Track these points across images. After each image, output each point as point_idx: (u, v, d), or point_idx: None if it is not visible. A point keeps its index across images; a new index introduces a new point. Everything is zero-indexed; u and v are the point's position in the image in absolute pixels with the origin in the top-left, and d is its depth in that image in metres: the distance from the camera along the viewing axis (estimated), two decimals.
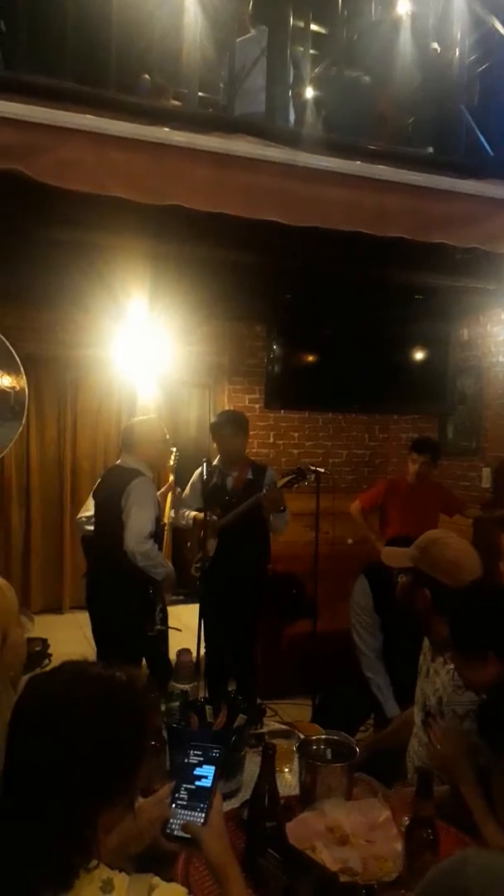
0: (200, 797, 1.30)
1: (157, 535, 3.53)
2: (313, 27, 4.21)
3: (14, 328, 4.82)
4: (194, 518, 3.96)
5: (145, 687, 1.16)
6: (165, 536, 4.16)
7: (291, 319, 4.51)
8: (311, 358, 4.59)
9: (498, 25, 3.97)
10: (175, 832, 1.27)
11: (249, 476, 3.95)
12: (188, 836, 1.24)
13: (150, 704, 1.13)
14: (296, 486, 3.76)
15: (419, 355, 4.71)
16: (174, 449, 4.49)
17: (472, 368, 4.99)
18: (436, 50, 4.04)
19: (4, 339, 4.47)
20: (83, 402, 5.97)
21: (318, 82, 4.17)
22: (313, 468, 4.21)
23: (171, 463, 4.58)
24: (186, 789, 1.31)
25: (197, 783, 1.32)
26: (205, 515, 3.80)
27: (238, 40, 3.88)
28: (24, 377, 4.62)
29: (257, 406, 5.62)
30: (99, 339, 4.68)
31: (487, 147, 3.62)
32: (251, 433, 5.39)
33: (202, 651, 3.80)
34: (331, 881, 1.37)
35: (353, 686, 3.32)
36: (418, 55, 4.05)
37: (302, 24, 3.87)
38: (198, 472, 4.02)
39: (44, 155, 2.40)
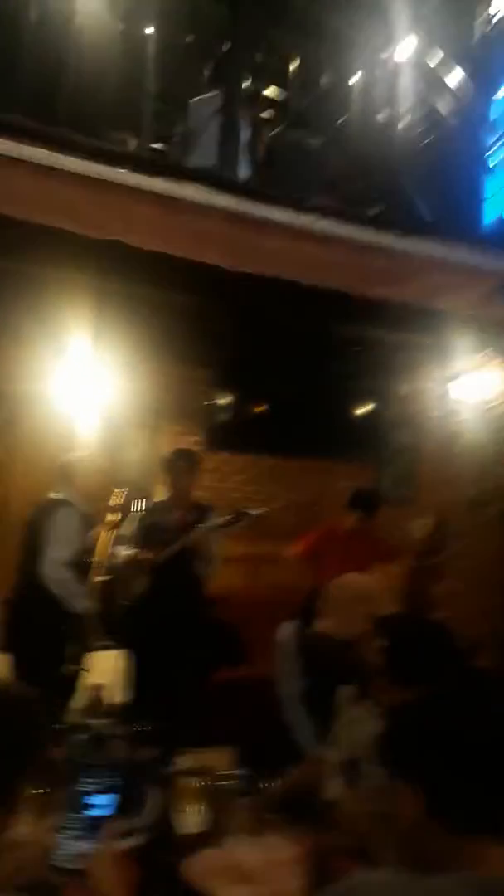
0: (93, 827, 1.26)
1: (82, 569, 3.48)
2: (267, 92, 4.44)
3: None
4: (128, 557, 3.92)
5: (35, 705, 1.13)
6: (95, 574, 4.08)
7: (235, 365, 4.59)
8: (253, 403, 4.66)
9: (440, 105, 4.25)
10: (63, 863, 1.23)
11: (192, 516, 3.93)
12: (76, 867, 1.20)
13: (35, 720, 1.10)
14: (232, 527, 3.76)
15: (359, 406, 4.84)
16: (122, 489, 4.44)
17: (410, 422, 5.13)
18: (382, 121, 4.30)
19: None
20: (18, 437, 5.83)
21: (272, 143, 4.37)
22: (254, 511, 4.25)
23: (116, 502, 4.53)
24: (79, 819, 1.28)
25: (90, 812, 1.29)
26: (136, 554, 3.76)
27: (195, 99, 4.07)
28: None
29: (198, 449, 5.62)
30: (36, 374, 4.63)
31: (426, 213, 3.85)
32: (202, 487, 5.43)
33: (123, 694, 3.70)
34: None
35: (279, 733, 3.28)
36: (365, 124, 4.31)
37: (256, 89, 4.06)
38: (140, 508, 4.00)
39: None
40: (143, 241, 2.63)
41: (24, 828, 1.13)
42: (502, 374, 3.43)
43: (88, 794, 1.30)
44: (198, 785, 1.94)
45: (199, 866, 1.58)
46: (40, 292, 3.63)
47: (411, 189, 3.87)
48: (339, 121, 4.10)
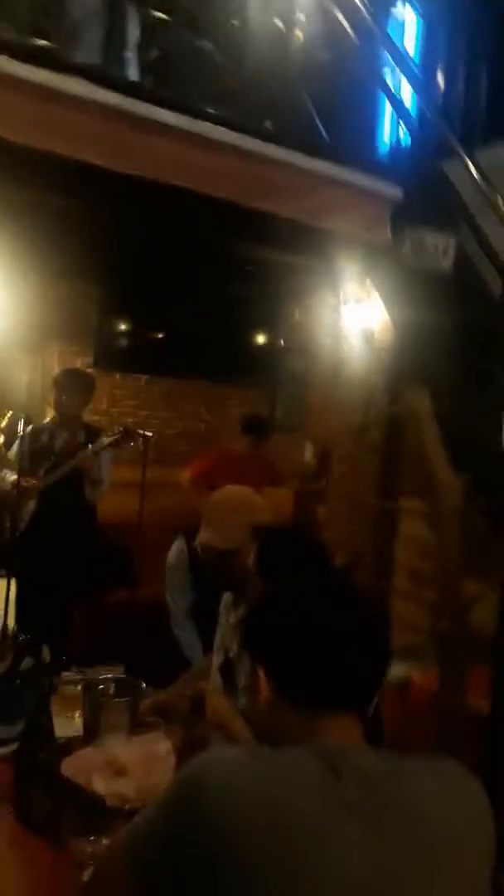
0: None
1: None
2: None
3: None
4: (12, 482, 3.78)
5: None
6: None
7: (126, 283, 4.44)
8: (146, 324, 4.54)
9: (342, 18, 4.11)
10: None
11: (82, 439, 3.82)
12: None
13: None
14: (120, 446, 3.68)
15: (253, 331, 4.82)
16: (8, 411, 4.26)
17: (300, 349, 5.19)
18: (280, 29, 4.13)
19: None
20: None
21: (164, 46, 4.11)
22: (140, 431, 4.19)
23: (2, 424, 4.35)
24: None
25: None
26: (18, 480, 3.63)
27: None
28: None
29: (91, 371, 5.47)
30: None
31: (324, 132, 3.78)
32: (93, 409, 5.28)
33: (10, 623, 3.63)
34: (96, 805, 1.36)
35: (171, 651, 3.35)
36: (262, 34, 4.13)
37: None
38: (23, 429, 3.83)
39: None
40: (18, 134, 2.43)
41: None
42: (386, 302, 3.48)
43: None
44: (78, 691, 1.96)
45: (75, 763, 1.60)
46: None
47: (307, 106, 3.78)
48: (233, 24, 3.90)
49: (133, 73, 3.57)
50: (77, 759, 1.62)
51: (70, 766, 1.57)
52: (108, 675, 1.90)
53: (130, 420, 5.76)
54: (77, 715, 1.97)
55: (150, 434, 4.15)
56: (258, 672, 1.02)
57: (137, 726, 1.84)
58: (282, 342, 4.98)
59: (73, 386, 3.72)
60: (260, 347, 4.93)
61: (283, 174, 3.06)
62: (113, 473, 4.61)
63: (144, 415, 5.96)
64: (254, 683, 1.04)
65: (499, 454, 2.65)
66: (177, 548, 3.28)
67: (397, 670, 3.62)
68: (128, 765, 1.62)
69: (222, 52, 4.00)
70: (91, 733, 1.75)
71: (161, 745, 1.70)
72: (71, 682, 2.10)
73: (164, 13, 4.19)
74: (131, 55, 3.66)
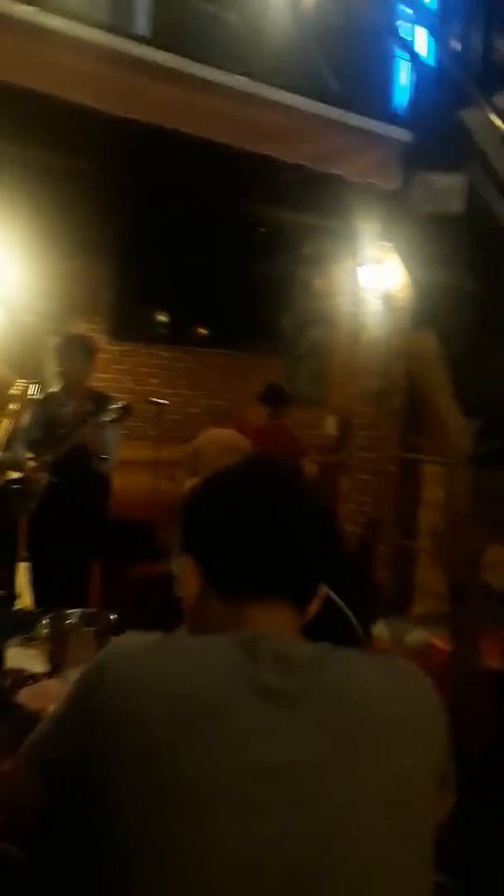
0: None
1: None
2: None
3: None
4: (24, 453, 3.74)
5: None
6: None
7: (139, 254, 4.39)
8: (159, 293, 4.48)
9: None
10: None
11: (89, 407, 3.73)
12: None
13: None
14: (122, 421, 3.58)
15: (270, 298, 4.72)
16: (22, 381, 4.23)
17: (322, 319, 5.06)
18: None
19: None
20: None
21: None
22: (155, 399, 4.13)
23: (16, 395, 4.33)
24: None
25: None
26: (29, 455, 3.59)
27: None
28: None
29: (115, 349, 5.45)
30: None
31: (334, 81, 3.65)
32: (108, 377, 5.25)
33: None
34: (35, 719, 1.28)
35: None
36: None
37: None
38: (35, 399, 3.79)
39: None
40: (9, 74, 2.40)
41: None
42: (401, 253, 3.35)
43: None
44: (49, 628, 1.89)
45: (34, 691, 1.54)
46: None
47: (319, 60, 3.67)
48: None
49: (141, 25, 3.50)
50: (37, 688, 1.56)
51: (27, 696, 1.51)
52: (75, 610, 1.82)
53: (141, 388, 5.72)
54: (44, 650, 1.90)
55: (165, 402, 4.09)
56: (187, 564, 0.94)
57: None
58: (302, 310, 4.86)
59: (73, 351, 3.64)
60: (279, 316, 4.82)
61: (288, 118, 2.97)
62: (136, 451, 4.57)
63: (168, 393, 5.92)
64: (183, 575, 0.96)
65: None
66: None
67: (418, 635, 3.49)
68: None
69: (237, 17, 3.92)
70: (57, 666, 1.67)
71: None
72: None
73: None
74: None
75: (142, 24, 3.55)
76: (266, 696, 0.78)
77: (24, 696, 1.52)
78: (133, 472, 4.52)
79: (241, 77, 2.90)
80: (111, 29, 2.78)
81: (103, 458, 3.54)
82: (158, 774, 0.75)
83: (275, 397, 4.55)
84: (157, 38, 2.99)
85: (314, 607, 0.94)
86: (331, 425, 5.05)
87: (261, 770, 0.75)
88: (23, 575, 3.93)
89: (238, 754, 0.75)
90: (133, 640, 0.86)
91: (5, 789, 0.96)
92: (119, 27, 2.93)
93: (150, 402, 4.20)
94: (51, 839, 0.94)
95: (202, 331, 4.70)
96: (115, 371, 5.48)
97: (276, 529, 0.90)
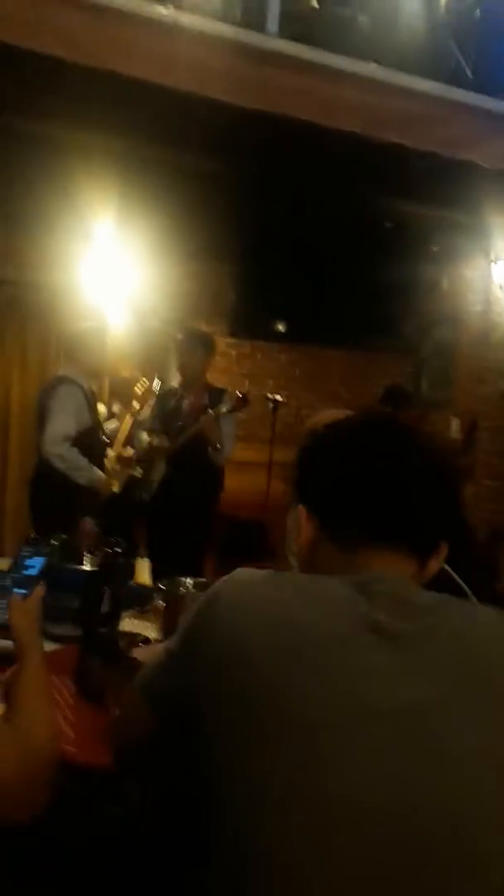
0: (25, 584, 1.26)
1: (88, 448, 3.45)
2: None
3: None
4: (147, 443, 3.87)
5: None
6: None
7: (259, 254, 4.41)
8: (279, 290, 4.48)
9: None
10: None
11: (205, 401, 3.84)
12: (3, 620, 1.18)
13: None
14: (239, 411, 3.64)
15: (395, 297, 4.59)
16: (146, 377, 4.39)
17: (449, 318, 4.87)
18: None
19: None
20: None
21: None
22: (271, 395, 4.14)
23: (139, 389, 4.50)
24: (13, 578, 1.27)
25: (24, 573, 1.29)
26: (150, 442, 3.71)
27: None
28: None
29: (234, 352, 5.52)
30: (62, 261, 4.55)
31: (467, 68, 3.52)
32: (226, 378, 5.32)
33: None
34: None
35: None
36: None
37: None
38: (156, 391, 3.92)
39: None
40: (139, 70, 2.48)
41: None
42: None
43: (23, 554, 1.29)
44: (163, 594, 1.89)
45: (146, 652, 1.55)
46: (64, 160, 3.52)
47: (448, 44, 3.54)
48: None
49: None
50: (150, 647, 1.57)
51: (141, 652, 1.53)
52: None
53: (261, 388, 5.74)
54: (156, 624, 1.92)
55: (280, 398, 4.09)
56: (303, 514, 0.93)
57: None
58: (428, 309, 4.70)
59: (192, 346, 3.75)
60: (404, 316, 4.68)
61: (418, 104, 2.88)
62: (250, 452, 4.60)
63: (286, 395, 5.91)
64: (298, 523, 0.95)
65: None
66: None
67: None
68: None
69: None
70: (169, 632, 1.68)
71: None
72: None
73: None
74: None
75: (273, 21, 3.59)
76: (382, 634, 0.75)
77: (138, 653, 1.54)
78: (247, 472, 4.55)
79: (370, 64, 2.85)
80: (244, 24, 2.82)
81: (218, 449, 3.61)
82: (264, 707, 0.73)
83: (396, 399, 4.42)
84: (287, 31, 3.01)
85: (435, 565, 0.90)
86: (455, 429, 4.84)
87: (375, 708, 0.72)
88: (144, 571, 4.04)
89: (351, 690, 0.72)
90: (247, 574, 0.86)
91: (121, 717, 1.01)
92: (252, 23, 2.97)
93: (267, 399, 4.21)
94: (160, 768, 0.95)
95: (320, 331, 4.66)
96: (234, 373, 5.55)
97: (390, 476, 0.87)
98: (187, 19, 2.59)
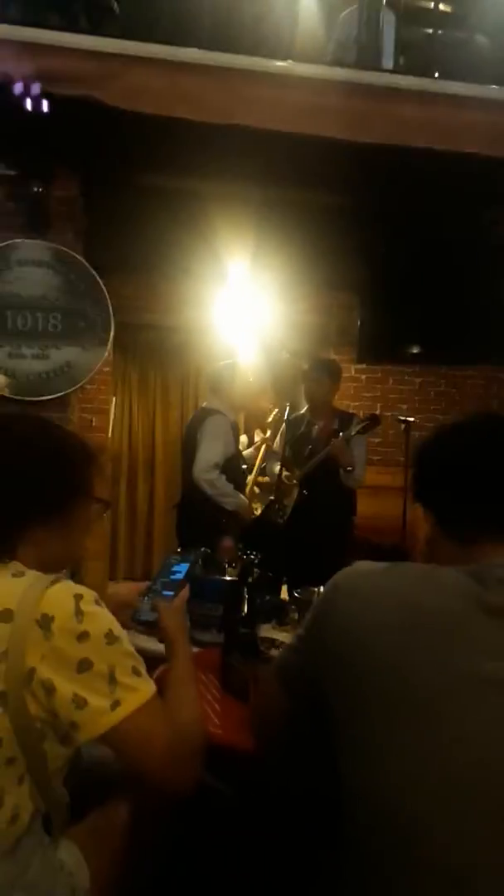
0: (172, 588, 1.38)
1: (232, 475, 3.62)
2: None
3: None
4: (278, 471, 3.98)
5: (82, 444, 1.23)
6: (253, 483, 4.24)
7: (383, 279, 4.46)
8: (405, 312, 4.49)
9: None
10: (142, 617, 1.35)
11: (335, 426, 3.90)
12: (153, 618, 1.31)
13: (79, 449, 1.20)
14: (369, 432, 3.67)
15: None
16: (279, 410, 4.54)
17: None
18: None
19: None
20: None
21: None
22: (402, 417, 4.13)
23: (270, 419, 4.66)
24: (162, 582, 1.40)
25: (172, 577, 1.41)
26: (280, 471, 3.81)
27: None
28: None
29: (364, 377, 5.55)
30: (199, 303, 4.81)
31: None
32: (357, 404, 5.36)
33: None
34: None
35: None
36: None
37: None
38: (286, 419, 4.04)
39: (115, 81, 2.61)
40: (261, 120, 2.67)
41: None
42: None
43: (171, 560, 1.45)
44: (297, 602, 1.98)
45: None
46: (201, 212, 3.79)
47: None
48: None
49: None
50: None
51: (278, 653, 1.62)
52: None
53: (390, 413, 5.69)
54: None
55: (412, 419, 4.08)
56: (419, 509, 1.01)
57: None
58: None
59: (319, 374, 3.84)
60: None
61: None
62: (385, 476, 4.55)
63: (421, 418, 5.83)
64: (416, 520, 1.03)
65: None
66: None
67: None
68: None
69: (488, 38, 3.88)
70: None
71: None
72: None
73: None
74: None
75: (388, 57, 3.69)
76: (492, 614, 0.80)
77: (276, 654, 1.63)
78: (382, 497, 4.53)
79: (489, 87, 2.87)
80: (360, 63, 2.94)
81: (349, 471, 3.64)
82: (385, 680, 0.80)
83: None
84: (405, 61, 3.10)
85: None
86: None
87: (488, 681, 0.76)
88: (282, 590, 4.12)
89: (463, 664, 0.78)
90: (365, 565, 0.95)
91: (259, 702, 1.12)
92: (367, 60, 3.10)
93: (398, 420, 4.21)
94: (294, 742, 1.03)
95: (451, 352, 4.60)
96: (364, 398, 5.57)
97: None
98: (303, 69, 2.76)
